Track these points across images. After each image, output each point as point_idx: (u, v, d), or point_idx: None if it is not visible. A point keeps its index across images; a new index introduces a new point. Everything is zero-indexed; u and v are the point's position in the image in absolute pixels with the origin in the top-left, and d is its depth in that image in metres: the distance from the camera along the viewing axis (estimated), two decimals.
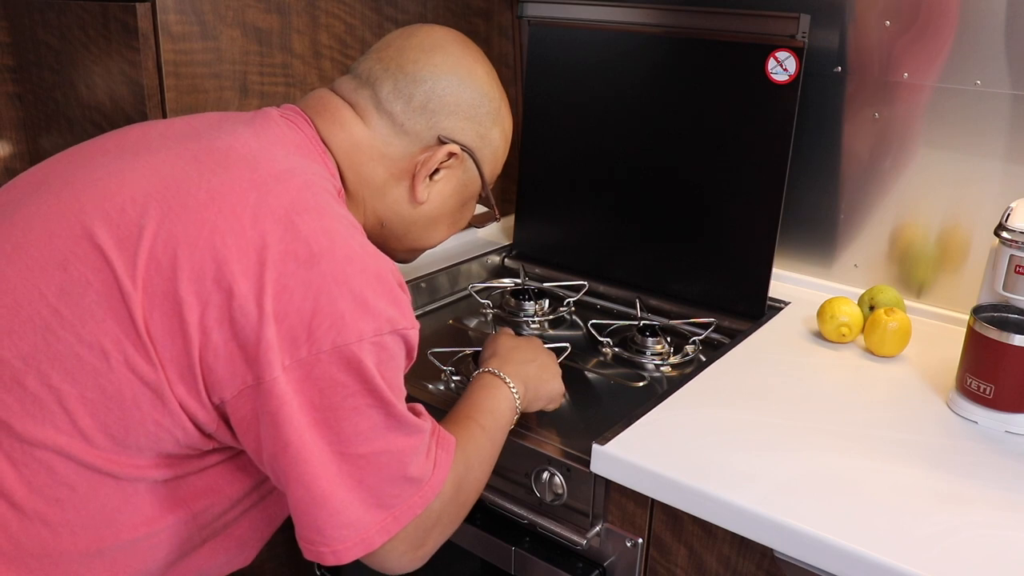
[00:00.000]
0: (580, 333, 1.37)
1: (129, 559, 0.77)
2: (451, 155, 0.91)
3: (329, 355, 0.71)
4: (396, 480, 0.77)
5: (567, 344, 1.24)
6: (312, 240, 0.73)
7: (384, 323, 0.74)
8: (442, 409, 1.08)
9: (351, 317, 0.72)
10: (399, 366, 0.77)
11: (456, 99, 0.90)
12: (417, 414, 0.81)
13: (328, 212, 0.77)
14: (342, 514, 0.74)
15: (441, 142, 0.90)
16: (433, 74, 0.89)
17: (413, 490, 0.78)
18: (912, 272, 1.32)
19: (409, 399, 1.13)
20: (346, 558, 0.75)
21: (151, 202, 0.74)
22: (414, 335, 0.78)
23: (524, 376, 0.99)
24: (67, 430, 0.71)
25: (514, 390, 0.96)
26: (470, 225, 1.01)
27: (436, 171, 0.92)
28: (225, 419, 0.75)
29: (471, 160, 0.94)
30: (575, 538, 0.97)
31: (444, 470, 0.81)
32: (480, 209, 1.07)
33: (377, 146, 0.89)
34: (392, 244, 0.97)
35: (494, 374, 0.97)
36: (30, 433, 0.71)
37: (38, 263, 0.73)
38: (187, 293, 0.70)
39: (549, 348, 1.12)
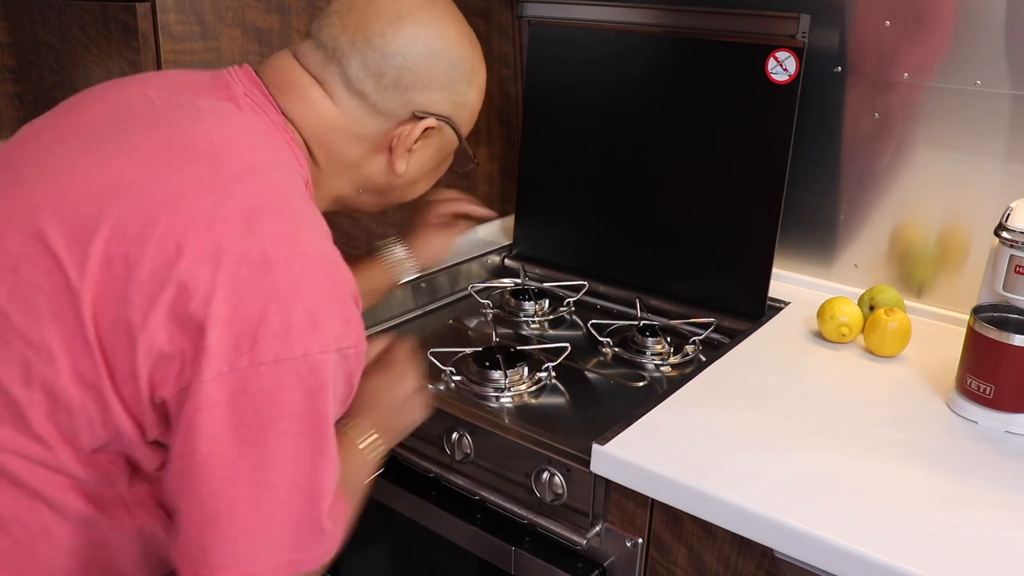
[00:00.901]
0: (580, 333, 1.37)
1: (106, 559, 0.76)
2: (428, 128, 0.89)
3: (270, 368, 0.68)
4: (306, 523, 0.72)
5: (567, 344, 1.24)
6: (269, 246, 0.70)
7: (330, 340, 0.71)
8: (443, 409, 1.08)
9: (298, 330, 0.69)
10: (336, 387, 0.73)
11: (429, 72, 0.86)
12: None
13: (289, 215, 0.74)
14: (235, 541, 0.69)
15: (417, 117, 0.87)
16: (402, 49, 0.84)
17: (318, 542, 0.73)
18: (912, 272, 1.32)
19: None
20: None
21: (104, 202, 0.71)
22: (357, 354, 0.75)
23: (377, 425, 0.92)
24: (25, 433, 0.70)
25: (368, 450, 0.90)
26: (450, 170, 1.00)
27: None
28: (167, 420, 0.72)
29: (448, 126, 0.91)
30: (575, 538, 0.97)
31: (341, 530, 0.78)
32: None
33: (350, 126, 0.86)
34: (369, 205, 0.96)
35: (346, 434, 0.89)
36: None
37: None
38: (135, 294, 0.68)
39: (550, 347, 1.11)
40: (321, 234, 0.76)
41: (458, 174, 1.02)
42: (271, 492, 0.70)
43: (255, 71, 0.86)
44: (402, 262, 1.19)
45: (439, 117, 0.89)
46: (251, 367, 0.68)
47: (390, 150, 0.89)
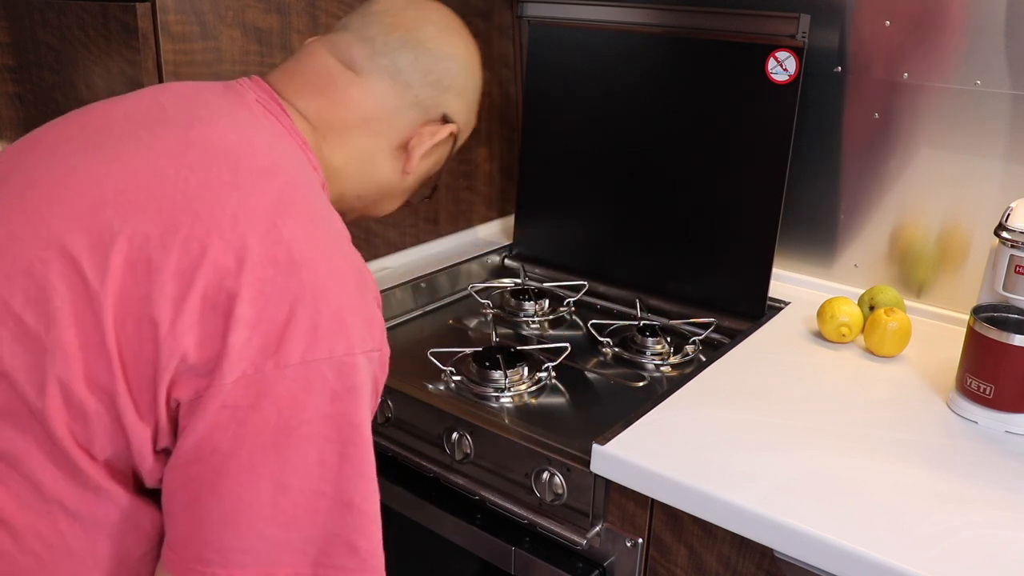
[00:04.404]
0: (580, 333, 1.37)
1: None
2: (451, 135, 0.92)
3: (295, 370, 0.67)
4: (334, 537, 0.70)
5: (567, 344, 1.24)
6: (294, 246, 0.69)
7: (356, 342, 0.69)
8: (443, 409, 1.09)
9: (325, 331, 0.68)
10: (365, 392, 0.71)
11: (464, 83, 0.92)
12: None
13: (313, 216, 0.74)
14: (255, 542, 0.67)
15: (445, 120, 0.92)
16: (449, 54, 0.91)
17: (350, 564, 0.70)
18: (912, 272, 1.32)
19: (409, 399, 1.13)
20: None
21: (124, 203, 0.70)
22: (382, 358, 0.73)
23: None
24: (45, 439, 0.68)
25: None
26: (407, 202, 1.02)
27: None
28: (177, 426, 0.70)
29: (453, 142, 0.95)
30: (575, 538, 0.97)
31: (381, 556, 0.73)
32: None
33: (385, 116, 0.88)
34: (354, 213, 0.95)
35: None
36: (9, 447, 0.68)
37: (2, 271, 0.69)
38: (160, 296, 0.66)
39: (550, 347, 1.11)
40: (342, 234, 0.77)
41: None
42: (292, 496, 0.68)
43: (279, 71, 0.90)
44: None
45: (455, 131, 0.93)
46: (276, 369, 0.66)
47: (408, 149, 0.91)
